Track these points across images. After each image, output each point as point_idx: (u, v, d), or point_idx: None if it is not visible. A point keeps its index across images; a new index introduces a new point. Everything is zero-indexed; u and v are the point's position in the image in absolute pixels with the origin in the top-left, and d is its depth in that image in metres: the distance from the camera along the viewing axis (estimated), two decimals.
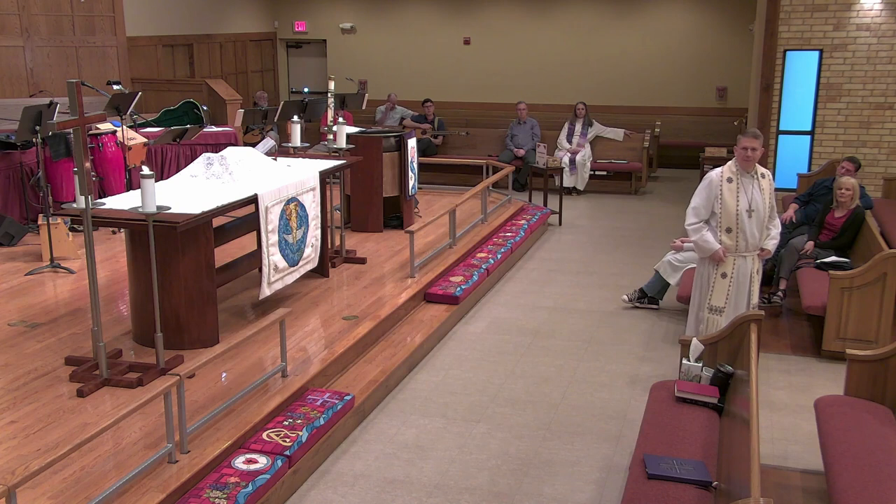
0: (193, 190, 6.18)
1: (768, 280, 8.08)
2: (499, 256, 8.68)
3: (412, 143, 9.42)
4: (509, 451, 5.23)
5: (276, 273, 6.49)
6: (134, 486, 4.24)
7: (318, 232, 7.13)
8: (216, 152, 6.73)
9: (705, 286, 5.95)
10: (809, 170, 11.14)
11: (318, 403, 5.29)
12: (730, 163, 5.79)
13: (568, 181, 12.85)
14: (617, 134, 13.49)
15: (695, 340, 5.17)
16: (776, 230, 5.93)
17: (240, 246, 7.57)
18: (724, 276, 5.84)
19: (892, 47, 10.85)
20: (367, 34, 16.38)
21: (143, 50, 13.26)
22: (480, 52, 15.79)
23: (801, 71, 11.22)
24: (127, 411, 4.18)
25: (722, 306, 5.86)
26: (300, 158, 7.72)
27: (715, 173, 5.80)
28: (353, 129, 9.65)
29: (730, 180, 5.72)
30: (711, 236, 5.82)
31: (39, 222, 7.94)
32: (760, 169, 5.78)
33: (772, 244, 5.94)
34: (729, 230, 5.73)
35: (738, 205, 5.68)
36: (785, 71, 11.24)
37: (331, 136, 8.25)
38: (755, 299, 5.87)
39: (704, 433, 4.48)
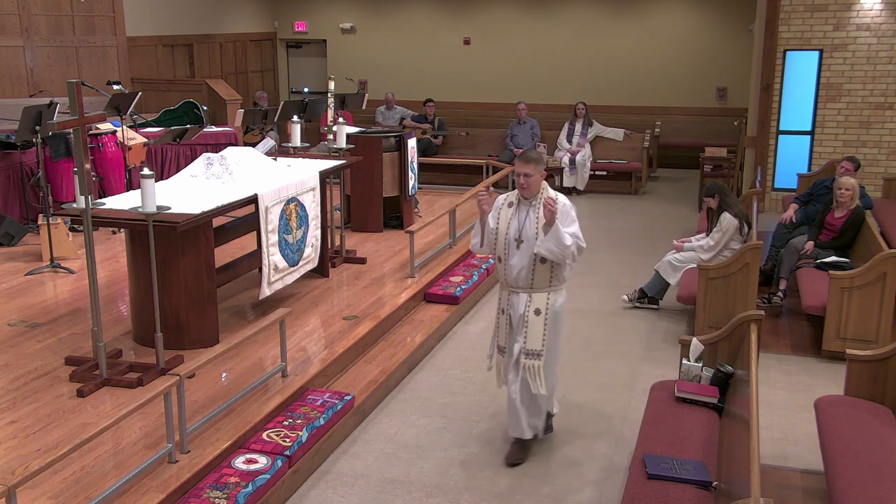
0: (193, 190, 6.18)
1: (768, 280, 8.09)
2: None
3: (412, 143, 9.42)
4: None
5: (276, 273, 6.49)
6: (134, 486, 4.24)
7: (318, 232, 7.13)
8: (216, 152, 6.74)
9: (494, 322, 5.25)
10: (809, 170, 11.15)
11: (318, 403, 5.29)
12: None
13: (568, 181, 12.85)
14: (617, 134, 13.50)
15: (695, 340, 5.17)
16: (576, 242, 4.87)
17: (240, 246, 7.57)
18: (502, 311, 5.09)
19: (892, 47, 10.86)
20: (367, 34, 16.37)
21: (143, 50, 13.26)
22: (480, 52, 15.79)
23: (801, 71, 11.22)
24: (127, 411, 4.18)
25: (503, 345, 5.12)
26: (300, 158, 7.72)
27: (501, 196, 5.12)
28: (353, 129, 9.65)
29: (510, 205, 5.01)
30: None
31: (39, 222, 7.95)
32: (548, 195, 4.88)
33: (548, 241, 4.81)
34: (500, 259, 5.01)
35: (507, 231, 4.94)
36: (785, 71, 11.25)
37: (331, 136, 8.26)
38: (533, 345, 4.96)
39: (704, 433, 4.48)
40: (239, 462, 4.58)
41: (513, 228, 4.94)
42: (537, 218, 4.87)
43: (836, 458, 4.23)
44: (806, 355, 6.83)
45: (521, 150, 13.09)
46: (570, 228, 4.86)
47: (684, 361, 5.12)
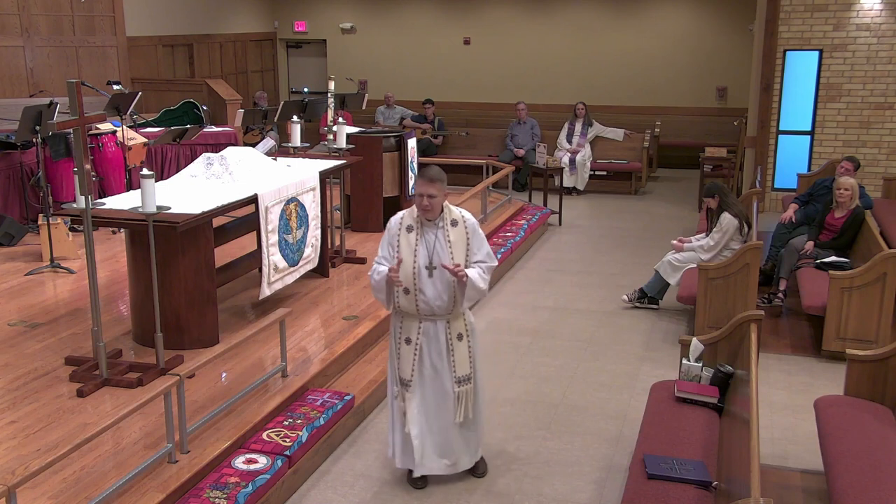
0: (193, 190, 6.18)
1: (768, 280, 8.09)
2: (499, 256, 8.68)
3: (412, 143, 9.43)
4: (509, 451, 5.23)
5: (276, 273, 6.49)
6: (134, 486, 4.24)
7: (318, 232, 7.13)
8: (216, 152, 6.74)
9: (393, 353, 4.76)
10: (809, 170, 11.15)
11: (318, 403, 5.29)
12: (413, 207, 4.63)
13: (568, 181, 12.85)
14: (617, 134, 13.50)
15: (695, 340, 5.16)
16: (488, 264, 4.65)
17: (240, 246, 7.57)
18: (407, 341, 4.65)
19: (892, 47, 10.86)
20: (367, 34, 16.37)
21: (143, 50, 13.26)
22: (480, 52, 15.79)
23: (801, 71, 11.23)
24: (127, 411, 4.18)
25: (408, 379, 4.66)
26: (300, 158, 7.72)
27: (395, 219, 4.67)
28: (353, 129, 9.65)
29: (409, 229, 4.58)
30: (383, 266, 4.62)
31: (39, 222, 7.95)
32: (454, 214, 4.60)
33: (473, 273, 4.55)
34: (406, 291, 4.56)
35: (415, 260, 4.54)
36: (785, 71, 11.26)
37: (331, 136, 8.26)
38: (462, 370, 4.66)
39: (704, 433, 4.48)
40: (239, 462, 4.58)
41: (421, 256, 4.54)
42: (450, 241, 4.55)
43: (836, 458, 4.23)
44: (806, 355, 6.83)
45: (522, 150, 13.10)
46: (483, 249, 4.63)
47: (684, 361, 5.12)
